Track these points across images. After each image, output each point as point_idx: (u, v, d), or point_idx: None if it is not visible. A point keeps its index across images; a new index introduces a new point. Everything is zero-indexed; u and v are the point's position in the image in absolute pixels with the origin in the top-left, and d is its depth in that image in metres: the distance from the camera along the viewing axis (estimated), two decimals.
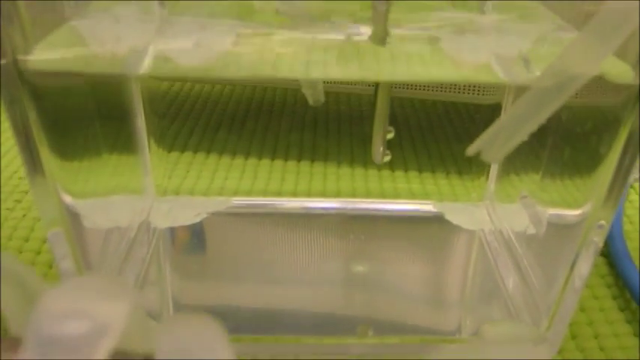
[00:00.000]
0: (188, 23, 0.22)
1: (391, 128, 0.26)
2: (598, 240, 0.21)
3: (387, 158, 0.27)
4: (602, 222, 0.21)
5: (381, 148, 0.26)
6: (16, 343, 0.10)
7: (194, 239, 0.30)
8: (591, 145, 0.21)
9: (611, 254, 0.30)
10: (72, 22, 0.20)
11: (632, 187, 0.38)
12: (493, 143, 0.17)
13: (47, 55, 0.18)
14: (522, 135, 0.17)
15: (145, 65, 0.19)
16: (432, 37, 0.21)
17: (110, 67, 0.20)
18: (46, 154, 0.18)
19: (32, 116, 0.18)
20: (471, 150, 0.18)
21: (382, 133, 0.26)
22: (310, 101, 0.24)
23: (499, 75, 0.18)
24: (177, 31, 0.21)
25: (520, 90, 0.19)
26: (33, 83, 0.18)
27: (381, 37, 0.20)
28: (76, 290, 0.10)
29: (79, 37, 0.20)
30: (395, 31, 0.20)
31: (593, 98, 0.21)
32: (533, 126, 0.17)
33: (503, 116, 0.17)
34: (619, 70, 0.17)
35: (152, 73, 0.20)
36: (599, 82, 0.19)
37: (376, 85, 0.25)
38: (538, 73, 0.17)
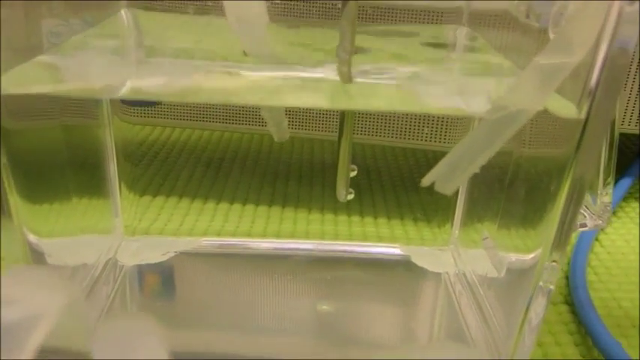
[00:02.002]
0: (161, 63, 0.22)
1: (354, 167, 0.27)
2: (550, 280, 0.22)
3: (351, 196, 0.28)
4: (553, 264, 0.21)
5: (345, 187, 0.27)
6: None
7: (161, 277, 0.30)
8: (539, 194, 0.22)
9: (574, 303, 0.30)
10: (43, 56, 0.21)
11: (596, 239, 0.38)
12: (446, 175, 0.18)
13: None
14: (474, 167, 0.18)
15: (118, 94, 0.20)
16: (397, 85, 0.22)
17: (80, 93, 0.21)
18: (13, 198, 0.19)
19: (3, 160, 0.19)
20: (425, 181, 0.18)
21: (345, 172, 0.26)
22: (275, 138, 0.25)
23: (463, 108, 0.19)
24: (150, 71, 0.22)
25: None
26: (5, 126, 0.18)
27: (346, 79, 0.20)
28: (13, 279, 0.10)
29: (50, 70, 0.21)
30: (359, 80, 0.21)
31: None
32: (483, 158, 0.18)
33: (456, 148, 0.18)
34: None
35: (123, 97, 0.21)
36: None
37: (340, 128, 0.26)
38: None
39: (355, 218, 0.35)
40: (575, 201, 0.20)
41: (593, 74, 0.17)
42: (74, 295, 0.10)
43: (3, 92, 0.18)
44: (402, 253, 0.33)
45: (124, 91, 0.20)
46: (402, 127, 0.34)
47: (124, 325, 0.10)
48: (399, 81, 0.22)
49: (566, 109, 0.18)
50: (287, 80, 0.21)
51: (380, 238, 0.34)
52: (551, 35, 0.19)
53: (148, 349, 0.10)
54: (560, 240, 0.21)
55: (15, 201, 0.19)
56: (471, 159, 0.18)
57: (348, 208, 0.35)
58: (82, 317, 0.10)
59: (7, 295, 0.09)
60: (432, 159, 0.37)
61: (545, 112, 0.19)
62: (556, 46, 0.17)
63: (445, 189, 0.18)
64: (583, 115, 0.18)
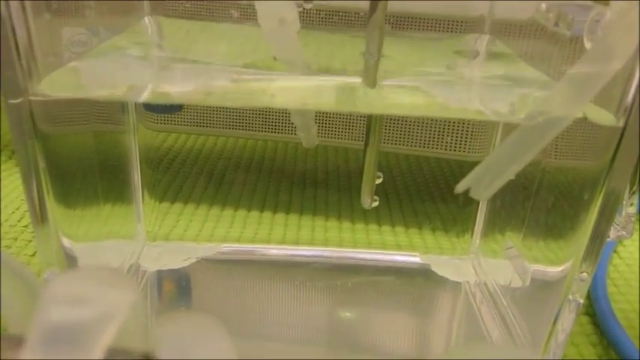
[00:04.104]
0: (186, 69, 0.22)
1: (380, 174, 0.27)
2: (579, 295, 0.22)
3: (376, 204, 0.28)
4: (583, 275, 0.21)
5: (370, 194, 0.27)
6: (15, 340, 0.11)
7: (182, 283, 0.30)
8: (569, 205, 0.22)
9: (596, 314, 0.30)
10: (73, 63, 0.21)
11: (615, 251, 0.38)
12: (481, 181, 0.18)
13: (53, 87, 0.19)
14: (509, 174, 0.18)
15: (143, 97, 0.20)
16: (422, 88, 0.22)
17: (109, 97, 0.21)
18: (50, 201, 0.20)
19: (42, 164, 0.19)
20: (460, 187, 0.18)
21: (371, 180, 0.26)
22: (304, 144, 0.25)
23: (486, 113, 0.19)
24: (175, 76, 0.22)
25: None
26: (44, 132, 0.19)
27: (371, 83, 0.20)
28: (81, 279, 0.10)
29: (80, 76, 0.21)
30: (385, 82, 0.21)
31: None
32: (519, 165, 0.18)
33: (491, 155, 0.18)
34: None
35: (148, 101, 0.21)
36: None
37: (366, 135, 0.26)
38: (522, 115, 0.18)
39: (373, 226, 0.35)
40: (608, 212, 0.20)
41: (632, 82, 0.17)
42: (138, 293, 0.10)
43: (42, 97, 0.18)
44: (421, 261, 0.33)
45: (150, 94, 0.20)
46: (422, 136, 0.34)
47: (183, 324, 0.10)
48: (422, 86, 0.22)
49: (603, 117, 0.18)
50: (314, 84, 0.21)
51: (398, 247, 0.34)
52: (586, 43, 0.19)
53: (214, 344, 0.10)
54: (592, 252, 0.20)
55: (51, 205, 0.19)
56: (507, 165, 0.18)
57: (365, 216, 0.35)
58: (143, 316, 0.10)
59: (80, 294, 0.09)
60: (446, 168, 0.37)
61: (576, 123, 0.19)
62: (594, 53, 0.17)
63: (480, 195, 0.18)
64: (621, 124, 0.18)
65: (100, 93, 0.20)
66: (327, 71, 0.22)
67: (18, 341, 0.10)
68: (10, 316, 0.11)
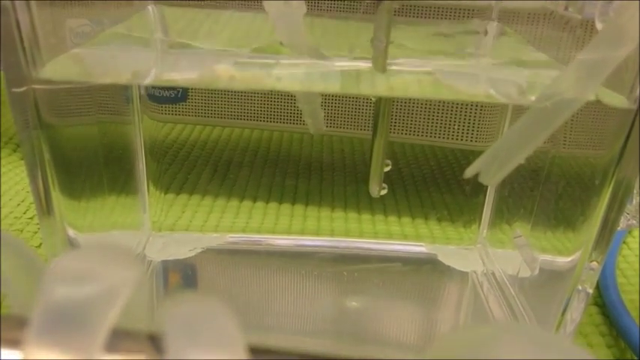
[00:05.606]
0: (190, 54, 0.22)
1: (388, 161, 0.26)
2: (589, 285, 0.21)
3: (384, 192, 0.27)
4: (593, 264, 0.21)
5: (378, 182, 0.27)
6: (18, 320, 0.10)
7: (187, 273, 0.30)
8: (579, 194, 0.21)
9: (605, 304, 0.30)
10: (75, 49, 0.21)
11: (624, 242, 0.38)
12: (491, 166, 0.18)
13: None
14: (519, 158, 0.18)
15: (147, 81, 0.20)
16: (431, 72, 0.22)
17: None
18: (55, 193, 0.20)
19: (47, 155, 0.19)
20: (469, 171, 0.18)
21: (380, 167, 0.26)
22: (311, 130, 0.24)
23: (496, 96, 0.19)
24: (179, 60, 0.22)
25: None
26: (48, 122, 0.19)
27: (381, 68, 0.20)
28: (84, 257, 0.10)
29: (82, 62, 0.21)
30: (393, 67, 0.21)
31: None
32: (529, 150, 0.18)
33: (501, 139, 0.18)
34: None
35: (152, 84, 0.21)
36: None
37: (374, 123, 0.26)
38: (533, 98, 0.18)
39: (379, 217, 0.35)
40: (619, 200, 0.19)
41: None
42: (142, 272, 0.10)
43: (46, 83, 0.18)
44: (428, 251, 0.32)
45: (154, 79, 0.20)
46: (429, 125, 0.34)
47: (189, 306, 0.10)
48: (431, 70, 0.21)
49: (615, 100, 0.18)
50: (321, 68, 0.21)
51: (405, 237, 0.33)
52: (598, 25, 0.19)
53: (218, 325, 0.09)
54: (602, 241, 0.20)
55: (57, 196, 0.19)
56: (517, 150, 0.18)
57: (372, 206, 0.35)
58: (148, 294, 0.10)
59: (83, 272, 0.09)
60: (453, 158, 0.37)
61: (586, 110, 0.19)
62: (606, 35, 0.17)
63: (489, 180, 0.18)
64: (635, 106, 0.17)
65: (104, 78, 0.20)
66: (334, 56, 0.22)
67: (20, 321, 0.10)
68: (13, 296, 0.11)
